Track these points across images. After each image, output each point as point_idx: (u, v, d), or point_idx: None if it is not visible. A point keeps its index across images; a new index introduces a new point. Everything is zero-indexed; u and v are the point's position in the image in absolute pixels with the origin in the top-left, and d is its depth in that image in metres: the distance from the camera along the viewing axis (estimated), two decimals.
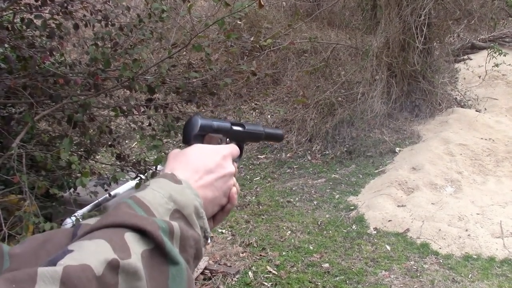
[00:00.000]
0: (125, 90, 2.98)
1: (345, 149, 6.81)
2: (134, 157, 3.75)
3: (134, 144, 7.50)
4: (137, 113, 3.05)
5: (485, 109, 7.35)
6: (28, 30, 2.87)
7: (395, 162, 6.27)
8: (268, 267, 4.15)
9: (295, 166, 6.70)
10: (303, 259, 4.30)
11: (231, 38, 2.82)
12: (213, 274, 3.99)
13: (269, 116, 8.29)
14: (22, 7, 2.78)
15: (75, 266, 0.48)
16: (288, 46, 5.95)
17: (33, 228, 2.30)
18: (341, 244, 4.56)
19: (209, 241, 4.58)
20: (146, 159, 3.36)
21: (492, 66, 6.98)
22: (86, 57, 2.92)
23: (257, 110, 8.45)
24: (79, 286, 0.46)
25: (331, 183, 6.04)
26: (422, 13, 6.25)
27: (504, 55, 6.96)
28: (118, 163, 3.28)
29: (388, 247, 4.42)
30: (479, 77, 7.62)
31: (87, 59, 2.80)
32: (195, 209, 0.65)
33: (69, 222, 3.23)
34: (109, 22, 2.94)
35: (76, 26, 2.92)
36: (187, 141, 0.81)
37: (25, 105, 2.80)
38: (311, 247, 4.51)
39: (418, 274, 3.97)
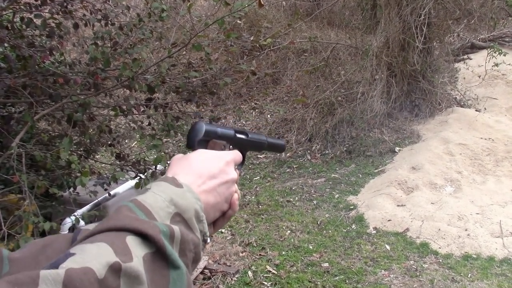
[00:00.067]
0: (124, 89, 2.98)
1: (344, 148, 6.81)
2: (133, 156, 3.75)
3: (133, 144, 7.50)
4: (136, 113, 3.05)
5: (485, 108, 7.35)
6: (28, 29, 2.86)
7: (394, 161, 6.27)
8: (267, 267, 4.15)
9: (294, 166, 6.70)
10: (302, 258, 4.30)
11: (231, 38, 2.82)
12: (212, 274, 3.99)
13: (268, 116, 8.29)
14: (22, 7, 2.78)
15: (77, 269, 0.48)
16: (288, 45, 5.95)
17: (32, 228, 2.30)
18: (340, 243, 4.56)
19: (208, 241, 4.59)
20: (145, 158, 3.35)
21: (492, 66, 6.98)
22: (86, 56, 2.92)
23: (257, 110, 8.45)
24: None
25: (330, 182, 6.04)
26: (422, 13, 6.25)
27: (504, 55, 6.96)
28: (118, 162, 3.28)
29: (388, 247, 4.42)
30: (479, 76, 7.62)
31: (87, 59, 2.79)
32: (196, 212, 0.65)
33: (68, 221, 3.23)
34: (109, 22, 2.94)
35: (76, 26, 2.92)
36: (191, 146, 0.82)
37: (24, 105, 2.79)
38: (311, 247, 4.51)
39: (418, 274, 3.97)
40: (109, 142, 3.31)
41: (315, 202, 5.54)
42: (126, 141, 7.04)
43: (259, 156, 7.15)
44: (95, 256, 0.50)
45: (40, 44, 2.91)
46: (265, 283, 3.93)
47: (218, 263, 4.18)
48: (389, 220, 4.85)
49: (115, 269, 0.50)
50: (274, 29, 8.13)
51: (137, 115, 3.16)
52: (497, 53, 6.93)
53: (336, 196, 5.65)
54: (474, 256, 4.20)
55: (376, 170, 6.16)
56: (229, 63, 3.39)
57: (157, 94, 3.14)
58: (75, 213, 3.00)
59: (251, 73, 3.08)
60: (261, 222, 5.11)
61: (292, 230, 4.88)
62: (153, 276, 0.53)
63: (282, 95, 8.63)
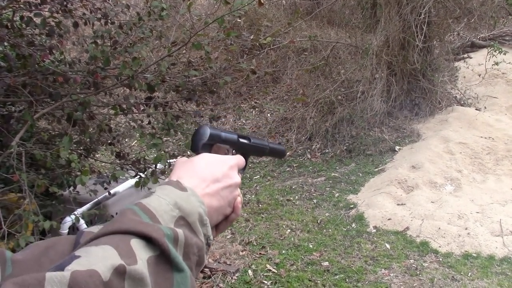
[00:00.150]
0: (124, 88, 2.98)
1: (344, 147, 6.81)
2: (133, 155, 3.75)
3: (133, 143, 7.50)
4: (136, 112, 3.04)
5: (485, 107, 7.35)
6: (28, 28, 2.86)
7: (394, 160, 6.27)
8: (267, 266, 4.16)
9: (294, 165, 6.70)
10: (302, 257, 4.30)
11: (230, 36, 2.82)
12: (212, 273, 3.99)
13: (268, 115, 8.28)
14: (22, 5, 2.77)
15: (82, 271, 0.48)
16: (288, 44, 5.95)
17: (32, 227, 2.30)
18: (340, 242, 4.56)
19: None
20: (145, 157, 3.36)
21: (492, 65, 6.98)
22: (86, 55, 2.91)
23: (257, 109, 8.45)
24: None
25: (330, 181, 6.04)
26: (422, 12, 6.24)
27: (504, 54, 6.95)
28: (118, 161, 3.28)
29: (388, 246, 4.42)
30: (479, 75, 7.62)
31: (87, 57, 2.79)
32: (200, 216, 0.65)
33: (68, 220, 3.23)
34: (109, 20, 2.94)
35: (75, 24, 2.92)
36: (195, 150, 0.83)
37: (24, 103, 2.79)
38: (311, 246, 4.52)
39: (418, 273, 3.97)
40: (109, 141, 3.30)
41: (315, 201, 5.55)
42: (126, 140, 7.04)
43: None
44: (100, 258, 0.50)
45: (40, 43, 2.91)
46: (265, 282, 3.93)
47: (218, 262, 4.18)
48: (389, 219, 4.85)
49: (119, 272, 0.50)
50: (274, 28, 8.12)
51: (137, 114, 3.16)
52: (497, 52, 6.92)
53: (336, 195, 5.65)
54: (474, 255, 4.20)
55: (376, 169, 6.16)
56: (229, 62, 3.39)
57: (157, 93, 3.14)
58: (75, 212, 2.99)
59: (251, 72, 3.08)
60: (261, 221, 5.11)
61: (292, 229, 4.88)
62: (157, 279, 0.54)
63: (282, 94, 8.63)
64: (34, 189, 2.49)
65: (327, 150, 6.91)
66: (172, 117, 3.03)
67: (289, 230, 4.85)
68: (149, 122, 3.29)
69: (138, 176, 3.06)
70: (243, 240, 4.63)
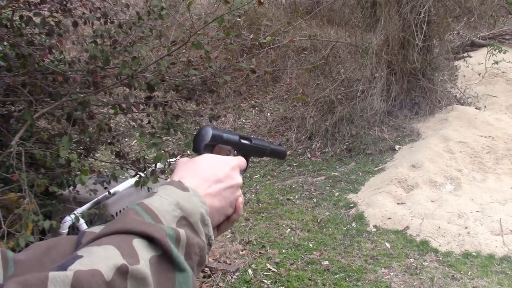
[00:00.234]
0: (124, 87, 2.98)
1: (344, 146, 6.81)
2: (133, 155, 3.75)
3: (133, 142, 7.50)
4: (136, 111, 3.04)
5: (485, 106, 7.35)
6: (27, 27, 2.86)
7: (394, 159, 6.27)
8: (267, 265, 4.16)
9: (294, 164, 6.70)
10: (302, 256, 4.31)
11: (230, 36, 2.82)
12: (212, 272, 3.99)
13: (268, 114, 8.28)
14: (21, 5, 2.77)
15: (85, 271, 0.48)
16: (287, 43, 5.94)
17: (32, 226, 2.30)
18: (340, 241, 4.56)
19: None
20: (145, 157, 3.35)
21: (492, 64, 6.97)
22: (85, 54, 2.91)
23: (256, 108, 8.45)
24: None
25: (330, 180, 6.04)
26: (422, 11, 6.24)
27: (504, 53, 6.94)
28: (118, 161, 3.28)
29: (388, 245, 4.42)
30: (479, 74, 7.61)
31: (86, 57, 2.79)
32: (201, 216, 0.65)
33: (68, 220, 3.23)
34: (108, 20, 2.93)
35: (75, 24, 2.92)
36: (197, 150, 0.83)
37: (24, 103, 2.79)
38: (311, 245, 4.52)
39: (418, 272, 3.97)
40: (109, 141, 3.30)
41: (315, 200, 5.55)
42: (126, 139, 7.04)
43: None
44: (102, 258, 0.51)
45: (39, 43, 2.91)
46: (265, 281, 3.93)
47: (218, 261, 4.19)
48: (389, 218, 4.85)
49: (122, 272, 0.50)
50: (274, 27, 8.12)
51: (136, 113, 3.15)
52: (497, 51, 6.91)
53: (336, 194, 5.65)
54: (474, 254, 4.20)
55: (376, 168, 6.16)
56: (229, 61, 3.39)
57: (156, 92, 3.14)
58: (75, 212, 2.99)
59: (250, 71, 3.08)
60: (261, 220, 5.11)
61: (292, 228, 4.88)
62: (159, 279, 0.54)
63: (282, 93, 8.63)
64: (34, 189, 2.48)
65: (327, 149, 6.91)
66: (172, 117, 3.03)
67: (289, 229, 4.85)
68: (149, 122, 3.28)
69: (138, 176, 3.06)
70: (243, 240, 4.63)
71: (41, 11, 2.70)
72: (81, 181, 2.32)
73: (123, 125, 4.27)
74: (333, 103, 7.19)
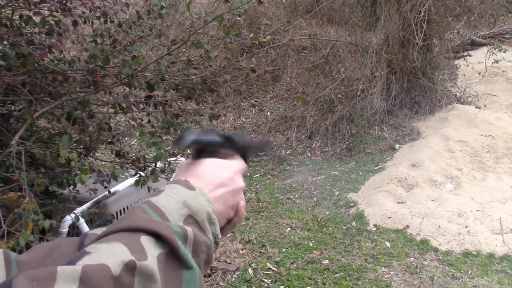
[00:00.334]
0: (124, 87, 2.98)
1: (344, 146, 6.81)
2: (133, 154, 3.74)
3: (133, 141, 7.50)
4: (136, 110, 3.04)
5: (485, 105, 7.35)
6: (27, 27, 2.86)
7: (394, 158, 6.27)
8: (268, 264, 4.16)
9: (294, 163, 6.70)
10: (302, 255, 4.31)
11: (230, 35, 2.82)
12: (213, 271, 3.99)
13: (268, 113, 8.28)
14: (21, 4, 2.77)
15: (93, 265, 0.49)
16: (287, 43, 5.94)
17: (32, 226, 2.30)
18: (340, 240, 4.56)
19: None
20: (145, 156, 3.35)
21: (492, 63, 6.96)
22: (85, 54, 2.91)
23: (256, 107, 8.45)
24: (97, 284, 0.48)
25: (330, 180, 6.04)
26: (422, 10, 6.24)
27: (504, 52, 6.94)
28: (118, 160, 3.28)
29: (388, 244, 4.42)
30: (479, 73, 7.60)
31: (86, 56, 2.79)
32: (208, 215, 0.66)
33: (68, 219, 3.23)
34: (108, 19, 2.93)
35: (75, 23, 2.91)
36: (197, 154, 0.80)
37: (24, 102, 2.79)
38: (311, 244, 4.52)
39: (418, 271, 3.97)
40: (109, 140, 3.30)
41: (315, 199, 5.55)
42: (126, 138, 7.03)
43: (259, 153, 7.15)
44: (110, 254, 0.51)
45: (39, 42, 2.91)
46: (265, 280, 3.93)
47: (219, 261, 4.19)
48: (389, 217, 4.85)
49: (130, 267, 0.51)
50: (274, 26, 8.11)
51: (136, 113, 3.15)
52: (497, 50, 6.91)
53: (336, 193, 5.65)
54: (474, 253, 4.20)
55: (376, 167, 6.16)
56: (229, 60, 3.38)
57: (156, 92, 3.14)
58: (75, 211, 2.99)
59: (250, 70, 3.08)
60: (261, 220, 5.11)
61: (292, 227, 4.88)
62: (166, 275, 0.54)
63: (282, 93, 8.63)
64: (34, 188, 2.48)
65: (327, 149, 6.91)
66: (172, 116, 3.03)
67: (289, 229, 4.85)
68: (149, 121, 3.28)
69: (138, 175, 3.06)
70: (243, 239, 4.63)
71: (41, 10, 2.70)
72: (81, 181, 2.32)
73: (123, 124, 4.26)
74: (333, 102, 7.19)
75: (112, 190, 3.45)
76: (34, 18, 2.71)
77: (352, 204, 5.28)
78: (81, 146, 3.33)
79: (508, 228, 4.50)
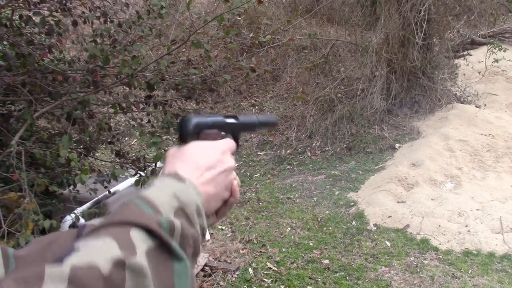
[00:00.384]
0: (124, 87, 2.98)
1: (344, 145, 6.81)
2: (133, 154, 3.75)
3: (133, 141, 7.50)
4: (136, 110, 3.04)
5: (485, 104, 7.34)
6: (27, 27, 2.86)
7: (394, 158, 6.27)
8: (268, 264, 4.16)
9: (295, 163, 6.70)
10: (303, 255, 4.31)
11: (230, 35, 2.82)
12: (213, 271, 3.99)
13: (268, 113, 8.28)
14: (21, 4, 2.77)
15: (82, 265, 0.49)
16: (287, 42, 5.94)
17: (32, 226, 2.30)
18: (341, 240, 4.56)
19: (208, 238, 4.58)
20: (145, 156, 3.35)
21: (492, 62, 6.96)
22: (85, 54, 2.91)
23: (256, 107, 8.45)
24: (86, 284, 0.47)
25: (331, 179, 6.04)
26: (422, 9, 6.23)
27: (504, 51, 6.94)
28: (118, 160, 3.28)
29: (388, 243, 4.42)
30: (479, 72, 7.60)
31: (86, 56, 2.79)
32: (197, 207, 0.66)
33: (68, 219, 3.23)
34: (108, 19, 2.93)
35: (75, 23, 2.92)
36: (183, 139, 0.82)
37: (24, 102, 2.79)
38: (311, 244, 4.52)
39: (418, 270, 3.97)
40: (109, 140, 3.31)
41: (315, 199, 5.55)
42: (126, 138, 7.03)
43: (259, 153, 7.16)
44: (99, 251, 0.51)
45: (39, 42, 2.91)
46: (266, 280, 3.93)
47: (219, 260, 4.19)
48: (389, 217, 4.85)
49: (119, 264, 0.50)
50: (274, 26, 8.12)
51: (136, 113, 3.16)
52: (497, 49, 6.90)
53: (336, 192, 5.65)
54: (475, 252, 4.20)
55: (376, 167, 6.16)
56: (229, 60, 3.39)
57: (156, 92, 3.14)
58: (75, 211, 2.99)
59: (250, 70, 3.08)
60: (261, 219, 5.11)
61: (292, 227, 4.89)
62: (157, 269, 0.54)
63: (282, 92, 8.63)
64: (34, 188, 2.49)
65: (327, 148, 6.91)
66: (171, 116, 3.03)
67: (289, 228, 4.85)
68: (149, 121, 3.29)
69: (138, 175, 3.06)
70: (243, 239, 4.63)
71: (40, 11, 2.70)
72: (81, 180, 2.32)
73: (123, 124, 4.27)
74: (333, 101, 7.18)
75: (112, 190, 3.45)
76: (34, 18, 2.71)
77: (352, 204, 5.28)
78: (81, 146, 3.34)
79: (508, 227, 4.50)
